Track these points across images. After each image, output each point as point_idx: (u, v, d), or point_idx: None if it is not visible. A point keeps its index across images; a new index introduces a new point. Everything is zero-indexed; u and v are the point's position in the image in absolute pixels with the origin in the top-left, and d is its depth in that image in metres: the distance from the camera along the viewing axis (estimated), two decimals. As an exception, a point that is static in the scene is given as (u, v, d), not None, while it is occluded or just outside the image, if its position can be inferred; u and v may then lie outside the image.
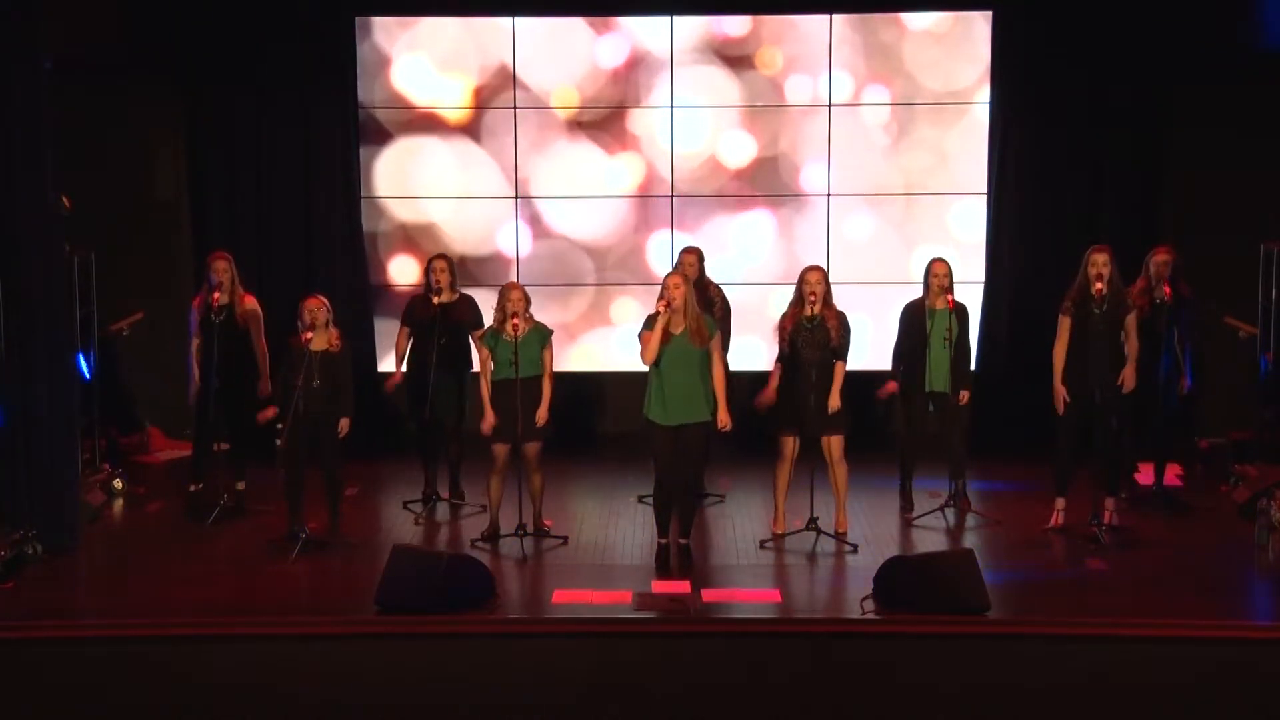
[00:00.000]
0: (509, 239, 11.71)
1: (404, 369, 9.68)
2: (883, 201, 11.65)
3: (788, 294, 9.01)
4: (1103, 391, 8.71)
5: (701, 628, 7.50)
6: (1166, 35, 11.08)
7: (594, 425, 11.73)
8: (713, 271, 10.02)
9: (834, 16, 11.47)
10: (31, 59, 8.41)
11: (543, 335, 8.87)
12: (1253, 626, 7.48)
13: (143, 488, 10.28)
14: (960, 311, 9.36)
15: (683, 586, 8.03)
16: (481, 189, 11.69)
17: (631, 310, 11.49)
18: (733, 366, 9.75)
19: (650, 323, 8.35)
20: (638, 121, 11.61)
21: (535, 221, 11.69)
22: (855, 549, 8.70)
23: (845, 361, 8.81)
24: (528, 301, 8.83)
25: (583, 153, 11.63)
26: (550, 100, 11.58)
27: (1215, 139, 11.20)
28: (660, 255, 11.55)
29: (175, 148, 11.69)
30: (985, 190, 11.53)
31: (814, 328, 8.73)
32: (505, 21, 11.50)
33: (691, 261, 9.63)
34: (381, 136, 11.66)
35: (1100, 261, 8.77)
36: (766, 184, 11.62)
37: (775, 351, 8.97)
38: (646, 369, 8.43)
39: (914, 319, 9.35)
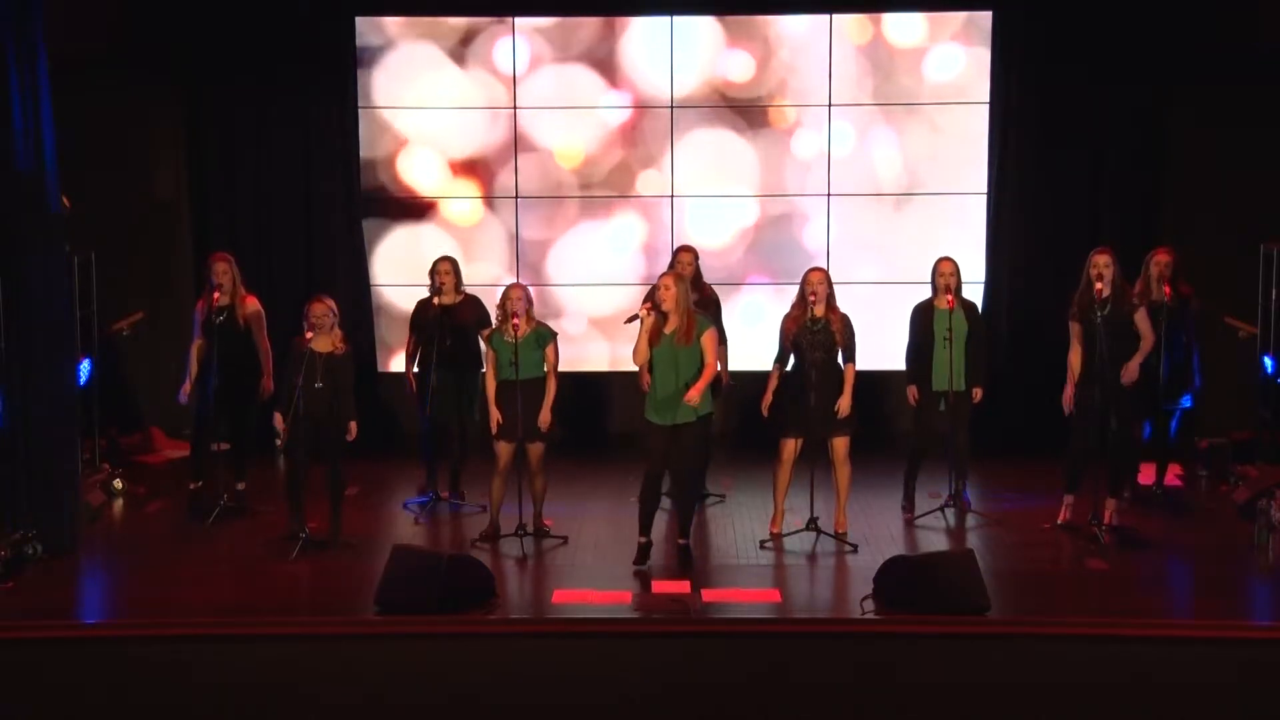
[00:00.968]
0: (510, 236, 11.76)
1: (414, 370, 9.68)
2: (883, 201, 11.67)
3: (786, 294, 9.00)
4: (1105, 392, 8.71)
5: (701, 628, 7.49)
6: (1167, 35, 11.09)
7: (600, 425, 11.73)
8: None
9: (834, 16, 11.49)
10: (32, 59, 8.40)
11: (544, 336, 8.86)
12: (1253, 626, 7.47)
13: (143, 488, 10.27)
14: (970, 310, 9.36)
15: (683, 586, 8.03)
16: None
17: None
18: (733, 367, 9.76)
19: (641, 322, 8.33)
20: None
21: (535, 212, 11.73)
22: (855, 549, 8.70)
23: (854, 363, 8.81)
24: (529, 302, 8.82)
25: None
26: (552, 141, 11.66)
27: (1215, 139, 11.21)
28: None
29: (175, 148, 11.70)
30: (985, 190, 11.53)
31: (817, 329, 8.72)
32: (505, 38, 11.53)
33: (688, 260, 9.60)
34: (382, 138, 11.68)
35: (1101, 263, 8.77)
36: (766, 186, 11.66)
37: (775, 353, 8.96)
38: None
39: (922, 319, 9.36)
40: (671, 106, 11.59)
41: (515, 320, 8.65)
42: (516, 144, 11.68)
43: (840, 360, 8.80)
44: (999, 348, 11.21)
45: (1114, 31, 11.13)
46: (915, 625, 7.34)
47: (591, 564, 8.52)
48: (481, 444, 9.15)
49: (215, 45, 11.31)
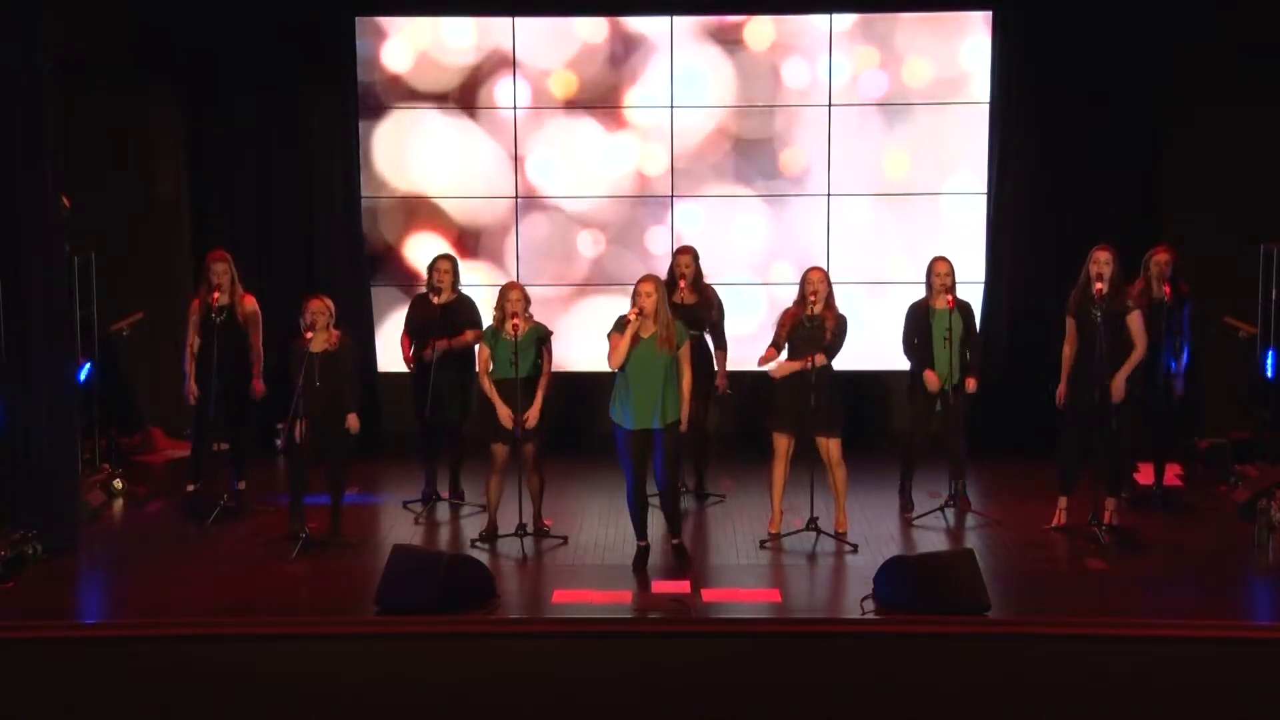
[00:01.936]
0: (509, 237, 11.74)
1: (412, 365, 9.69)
2: (883, 201, 11.67)
3: (783, 294, 9.00)
4: (1102, 391, 8.71)
5: (701, 628, 7.49)
6: (1166, 35, 11.08)
7: (595, 426, 11.72)
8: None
9: (834, 16, 11.49)
10: (31, 59, 8.40)
11: (541, 335, 8.87)
12: (1253, 626, 7.47)
13: (143, 488, 10.28)
14: (964, 309, 9.35)
15: (683, 586, 8.03)
16: (482, 186, 11.71)
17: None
18: (732, 367, 9.76)
19: (620, 325, 8.27)
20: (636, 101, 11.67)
21: (535, 209, 11.72)
22: (855, 549, 8.70)
23: (830, 361, 8.78)
24: (527, 301, 8.83)
25: (583, 131, 11.65)
26: (549, 87, 11.62)
27: (1215, 139, 11.20)
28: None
29: (175, 148, 11.70)
30: (985, 190, 11.53)
31: (813, 327, 8.73)
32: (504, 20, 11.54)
33: (687, 262, 9.59)
34: (382, 132, 11.68)
35: (1102, 260, 8.77)
36: (764, 185, 11.66)
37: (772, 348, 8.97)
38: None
39: (918, 319, 9.35)
40: (672, 107, 11.61)
41: (515, 320, 8.65)
42: (517, 144, 11.68)
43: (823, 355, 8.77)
44: (999, 348, 11.20)
45: (1114, 31, 11.13)
46: (915, 625, 7.34)
47: (591, 564, 8.52)
48: (477, 444, 9.14)
49: (215, 45, 11.31)
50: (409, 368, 9.72)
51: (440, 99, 11.64)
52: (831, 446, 8.86)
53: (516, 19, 11.52)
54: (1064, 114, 11.28)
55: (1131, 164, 11.33)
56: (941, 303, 9.21)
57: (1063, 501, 9.07)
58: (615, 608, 7.72)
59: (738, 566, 8.51)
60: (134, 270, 11.31)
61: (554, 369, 9.01)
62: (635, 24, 11.56)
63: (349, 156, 11.55)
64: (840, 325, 8.80)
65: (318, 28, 11.42)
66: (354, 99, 11.55)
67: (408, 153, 11.69)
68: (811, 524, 8.79)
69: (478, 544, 8.83)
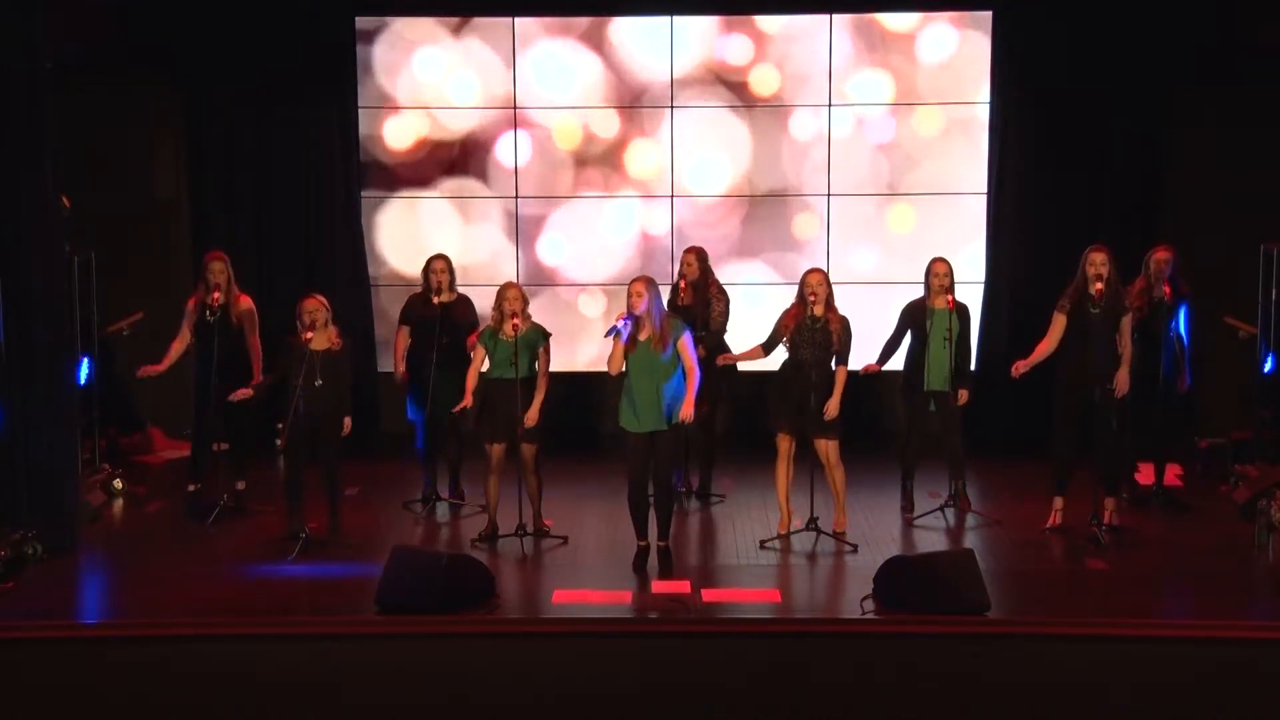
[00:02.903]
0: (509, 235, 11.75)
1: (404, 367, 9.67)
2: (882, 201, 11.67)
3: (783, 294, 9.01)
4: (1102, 391, 8.71)
5: (701, 628, 7.49)
6: (1166, 35, 11.08)
7: (595, 426, 11.73)
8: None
9: (834, 16, 11.49)
10: (31, 59, 8.40)
11: (539, 336, 8.86)
12: (1253, 626, 7.46)
13: (143, 488, 10.27)
14: (961, 311, 9.35)
15: (683, 586, 8.03)
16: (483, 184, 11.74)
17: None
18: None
19: (612, 331, 8.23)
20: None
21: (535, 220, 11.73)
22: (855, 549, 8.70)
23: (847, 365, 8.81)
24: (525, 301, 8.82)
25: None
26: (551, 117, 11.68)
27: (1215, 139, 11.21)
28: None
29: (175, 148, 11.71)
30: (985, 190, 11.53)
31: (815, 329, 8.73)
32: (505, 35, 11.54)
33: (691, 261, 9.61)
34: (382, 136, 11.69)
35: (1099, 261, 8.77)
36: (764, 185, 11.66)
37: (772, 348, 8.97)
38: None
39: (914, 318, 9.35)
40: (672, 106, 11.61)
41: (514, 320, 8.65)
42: (516, 144, 11.68)
43: (833, 362, 8.78)
44: (998, 348, 11.19)
45: (1114, 31, 11.13)
46: (915, 625, 7.34)
47: (591, 564, 8.52)
48: (477, 444, 9.14)
49: (215, 45, 11.31)
50: (400, 373, 9.68)
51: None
52: (829, 449, 8.86)
53: (516, 18, 11.54)
54: (1064, 114, 11.29)
55: (1131, 164, 11.33)
56: (941, 303, 9.21)
57: (1058, 502, 9.06)
58: (615, 608, 7.71)
59: (738, 566, 8.51)
60: (134, 270, 11.31)
61: (553, 369, 8.99)
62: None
63: (349, 156, 11.54)
64: (845, 327, 8.80)
65: (318, 28, 11.42)
66: (354, 99, 11.55)
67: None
68: (811, 524, 8.79)
69: (478, 544, 8.83)
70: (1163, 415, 9.50)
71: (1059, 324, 8.88)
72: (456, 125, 11.67)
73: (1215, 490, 10.01)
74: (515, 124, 11.63)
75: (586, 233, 11.73)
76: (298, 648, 7.26)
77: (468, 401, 8.82)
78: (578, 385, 11.28)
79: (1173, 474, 10.11)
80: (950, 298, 9.22)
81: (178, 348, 9.56)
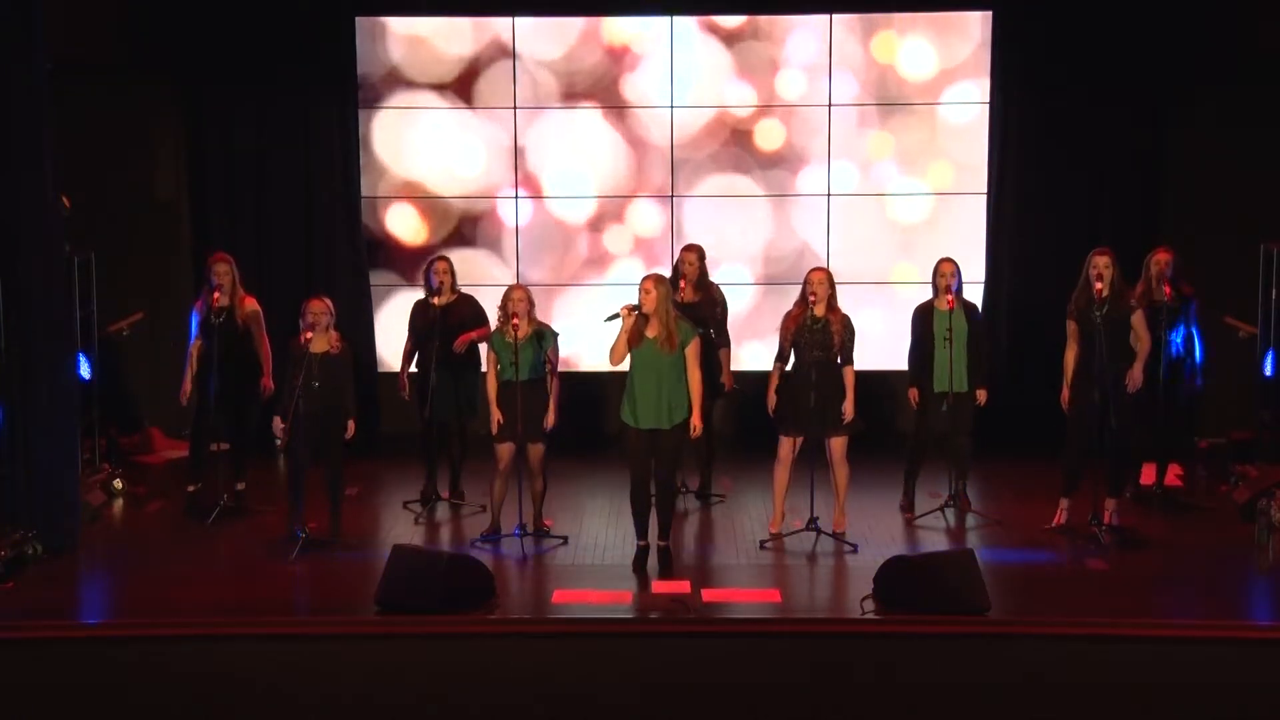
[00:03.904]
0: (509, 236, 11.75)
1: (410, 370, 9.66)
2: (883, 201, 11.67)
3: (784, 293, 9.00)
4: (1104, 392, 8.71)
5: (701, 628, 7.49)
6: (1166, 35, 11.08)
7: (597, 425, 11.73)
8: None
9: (834, 17, 11.50)
10: (31, 59, 8.40)
11: (545, 337, 8.85)
12: (1253, 626, 7.47)
13: (143, 488, 10.27)
14: (970, 310, 9.35)
15: (683, 586, 8.03)
16: (482, 184, 11.71)
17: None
18: (734, 366, 9.76)
19: (614, 315, 8.25)
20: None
21: (535, 212, 11.73)
22: (855, 549, 8.69)
23: (852, 365, 8.80)
24: (530, 302, 8.81)
25: (583, 122, 11.68)
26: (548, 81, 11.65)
27: (1215, 139, 11.21)
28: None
29: (175, 148, 11.70)
30: (985, 190, 11.53)
31: (817, 329, 8.73)
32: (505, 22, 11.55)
33: (691, 260, 9.59)
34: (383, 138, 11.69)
35: (1101, 264, 8.77)
36: (765, 185, 11.66)
37: (774, 351, 8.96)
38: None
39: (922, 320, 9.35)
40: (672, 107, 11.61)
41: (515, 320, 8.64)
42: (516, 142, 11.68)
43: (838, 361, 8.78)
44: (999, 348, 11.19)
45: (1114, 32, 11.13)
46: (915, 625, 7.34)
47: (591, 564, 8.52)
48: (481, 444, 9.14)
49: (215, 45, 11.31)
50: (402, 384, 9.68)
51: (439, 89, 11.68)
52: (836, 445, 8.85)
53: (516, 18, 11.54)
54: (1064, 114, 11.28)
55: (1131, 164, 11.33)
56: (943, 303, 9.21)
57: (1064, 502, 9.06)
58: (615, 608, 7.72)
59: (738, 566, 8.51)
60: (134, 270, 11.31)
61: (558, 368, 8.98)
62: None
63: (349, 156, 11.55)
64: (847, 326, 8.79)
65: (318, 27, 11.42)
66: (354, 99, 11.55)
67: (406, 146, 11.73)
68: (811, 524, 8.79)
69: (478, 544, 8.83)
70: (1164, 415, 9.50)
71: (1072, 331, 8.92)
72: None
73: (1215, 490, 10.01)
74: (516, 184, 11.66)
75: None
76: (298, 648, 7.26)
77: (496, 415, 8.77)
78: (581, 384, 11.26)
79: (1173, 474, 10.11)
80: (951, 298, 9.22)
81: (195, 355, 9.50)
